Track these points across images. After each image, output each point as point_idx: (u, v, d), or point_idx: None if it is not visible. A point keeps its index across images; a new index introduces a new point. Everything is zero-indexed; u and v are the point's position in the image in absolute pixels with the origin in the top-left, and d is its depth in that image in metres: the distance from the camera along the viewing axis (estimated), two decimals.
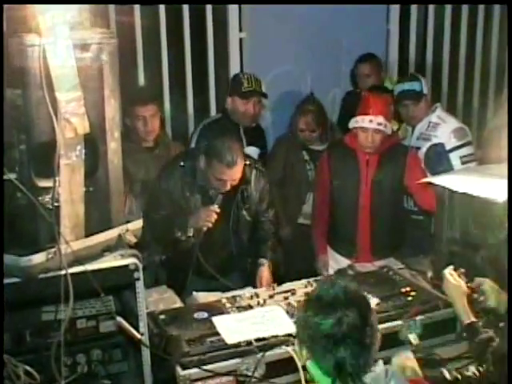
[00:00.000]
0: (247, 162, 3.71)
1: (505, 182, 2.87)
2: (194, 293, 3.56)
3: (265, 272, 3.79)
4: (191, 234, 3.67)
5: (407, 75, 5.04)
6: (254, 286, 3.65)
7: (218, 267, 3.75)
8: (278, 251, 4.06)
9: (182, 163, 3.72)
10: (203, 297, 3.52)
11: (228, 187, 3.60)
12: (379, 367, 2.01)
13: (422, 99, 4.48)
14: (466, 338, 2.74)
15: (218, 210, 3.60)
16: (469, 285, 2.82)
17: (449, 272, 2.87)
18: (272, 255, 3.93)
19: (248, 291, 3.40)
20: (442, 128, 4.44)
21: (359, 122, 3.98)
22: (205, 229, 3.63)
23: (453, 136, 4.40)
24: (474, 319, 2.68)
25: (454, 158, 4.34)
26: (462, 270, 2.85)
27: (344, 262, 4.02)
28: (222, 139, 3.59)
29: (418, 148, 4.44)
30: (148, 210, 3.74)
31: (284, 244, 4.54)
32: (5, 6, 2.22)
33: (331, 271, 3.98)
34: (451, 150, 4.36)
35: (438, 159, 4.35)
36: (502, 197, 2.89)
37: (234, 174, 3.57)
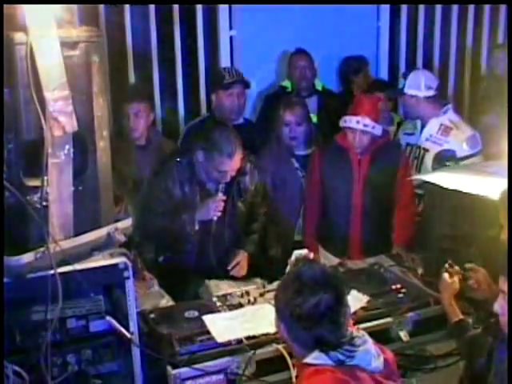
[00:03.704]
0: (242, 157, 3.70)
1: (495, 180, 2.88)
2: (206, 281, 3.62)
3: (241, 259, 3.81)
4: (197, 228, 3.67)
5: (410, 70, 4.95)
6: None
7: (217, 262, 3.78)
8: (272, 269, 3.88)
9: (178, 159, 3.72)
10: (215, 285, 3.57)
11: (228, 178, 3.63)
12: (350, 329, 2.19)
13: None
14: (455, 335, 2.75)
15: (225, 198, 3.62)
16: (462, 272, 2.82)
17: (446, 269, 2.87)
18: (253, 249, 3.93)
19: (255, 283, 3.50)
20: (455, 134, 4.36)
21: (347, 121, 4.00)
22: (215, 218, 3.65)
23: (465, 144, 4.33)
24: (462, 317, 2.69)
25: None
26: (457, 268, 2.86)
27: (335, 260, 4.02)
28: (219, 131, 3.60)
29: (426, 150, 4.42)
30: (146, 209, 3.74)
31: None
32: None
33: None
34: (463, 159, 4.29)
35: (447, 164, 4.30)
36: (492, 193, 2.90)
37: (235, 164, 3.60)
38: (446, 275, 2.86)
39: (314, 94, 5.14)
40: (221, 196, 3.63)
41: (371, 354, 2.15)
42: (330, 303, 2.09)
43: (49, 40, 2.20)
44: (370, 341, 2.19)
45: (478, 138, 4.40)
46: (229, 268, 3.75)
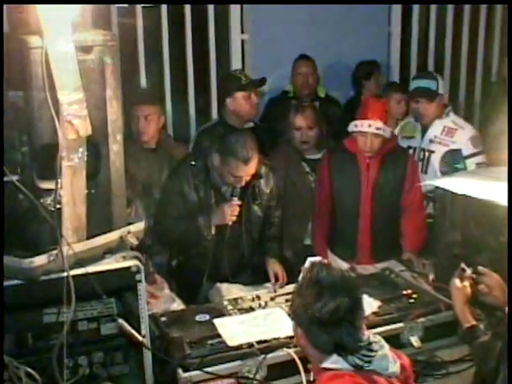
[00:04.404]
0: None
1: (507, 185, 2.87)
2: (218, 284, 3.61)
3: (277, 267, 3.75)
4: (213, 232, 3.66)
5: (425, 71, 5.07)
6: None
7: (230, 268, 3.76)
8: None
9: (193, 162, 3.71)
10: (226, 288, 3.57)
11: (243, 183, 3.61)
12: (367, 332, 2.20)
13: (435, 99, 4.42)
14: (466, 341, 2.74)
15: (240, 203, 3.62)
16: (474, 276, 2.80)
17: (458, 274, 2.82)
18: (278, 255, 3.91)
19: (266, 288, 3.50)
20: (460, 134, 4.40)
21: (358, 126, 3.97)
22: (230, 223, 3.63)
23: (470, 143, 4.38)
24: (474, 322, 2.68)
25: (470, 165, 4.32)
26: (469, 272, 2.80)
27: (344, 265, 4.01)
28: (236, 136, 3.59)
29: (432, 151, 4.43)
30: (161, 213, 3.74)
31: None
32: (7, 7, 2.22)
33: None
34: (468, 157, 4.35)
35: (456, 165, 4.34)
36: (504, 199, 2.89)
37: (250, 170, 3.57)
38: (456, 280, 2.83)
39: (315, 100, 5.13)
40: (236, 201, 3.61)
41: (388, 360, 2.16)
42: (349, 307, 2.10)
43: (64, 44, 2.21)
44: (386, 346, 2.20)
45: (480, 138, 4.49)
46: (272, 283, 3.64)
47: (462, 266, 2.81)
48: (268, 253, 3.86)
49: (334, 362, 2.11)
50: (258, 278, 3.77)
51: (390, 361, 2.16)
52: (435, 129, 4.45)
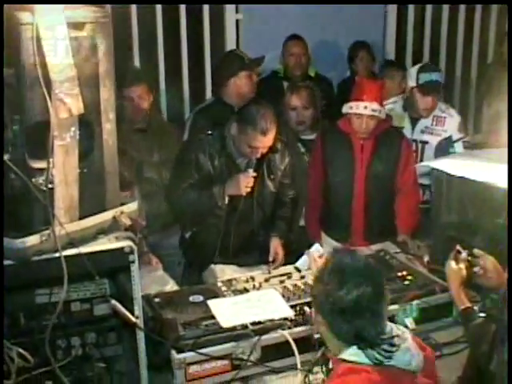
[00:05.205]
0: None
1: (503, 167, 2.85)
2: (212, 265, 3.63)
3: (279, 248, 3.76)
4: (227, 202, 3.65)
5: (427, 64, 4.90)
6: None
7: (239, 245, 3.77)
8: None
9: (209, 132, 3.69)
10: (220, 269, 3.58)
11: (259, 155, 3.59)
12: (390, 324, 2.14)
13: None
14: (462, 322, 2.73)
15: (255, 174, 3.60)
16: (469, 258, 2.78)
17: (453, 256, 2.79)
18: (286, 233, 3.90)
19: (262, 269, 3.49)
20: (449, 122, 4.46)
21: (353, 108, 3.94)
22: (244, 194, 3.62)
23: (457, 128, 4.47)
24: (469, 305, 2.66)
25: (459, 146, 4.43)
26: (464, 254, 2.77)
27: (337, 247, 4.00)
28: (256, 106, 3.57)
29: (425, 142, 4.43)
30: (175, 183, 3.73)
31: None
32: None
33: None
34: (457, 141, 4.45)
35: (450, 150, 4.41)
36: (500, 181, 2.87)
37: (268, 142, 3.55)
38: (452, 262, 2.82)
39: (306, 79, 5.10)
40: (251, 171, 3.59)
41: (411, 353, 2.09)
42: (373, 296, 2.04)
43: (55, 20, 2.17)
44: (409, 339, 2.12)
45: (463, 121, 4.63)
46: (270, 259, 3.66)
47: (457, 247, 2.79)
48: (275, 231, 3.85)
49: (352, 354, 2.05)
50: (266, 259, 3.74)
51: (413, 354, 2.09)
52: (425, 119, 4.46)
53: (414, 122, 4.49)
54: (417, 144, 4.45)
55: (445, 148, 4.40)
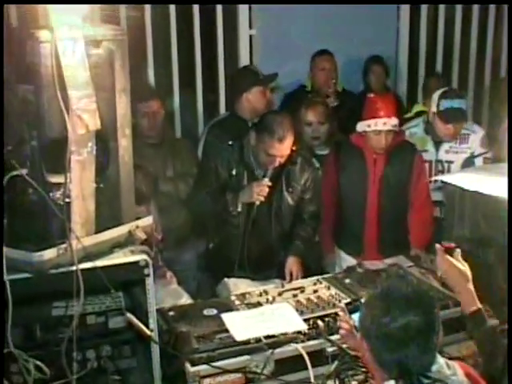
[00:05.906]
0: (293, 148, 3.70)
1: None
2: (226, 279, 3.65)
3: (296, 268, 3.74)
4: (240, 210, 3.69)
5: (451, 89, 4.73)
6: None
7: (257, 259, 3.80)
8: None
9: (230, 142, 3.75)
10: (233, 283, 3.60)
11: (277, 164, 3.63)
12: (440, 360, 2.03)
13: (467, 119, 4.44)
14: (471, 329, 2.55)
15: (270, 184, 3.63)
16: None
17: (455, 255, 2.57)
18: (304, 251, 3.89)
19: (275, 283, 3.49)
20: (472, 138, 4.44)
21: (372, 125, 3.93)
22: (258, 202, 3.65)
23: (480, 144, 4.46)
24: (479, 305, 2.46)
25: (479, 162, 4.42)
26: (458, 251, 2.57)
27: (350, 260, 4.01)
28: (273, 115, 3.64)
29: (451, 162, 4.42)
30: (194, 191, 3.83)
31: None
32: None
33: (338, 270, 3.96)
34: (478, 155, 4.44)
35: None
36: None
37: (284, 150, 3.59)
38: (449, 259, 2.55)
39: (335, 95, 5.10)
40: (266, 181, 3.62)
41: None
42: (421, 326, 1.94)
43: (73, 38, 2.22)
44: (460, 374, 2.02)
45: (486, 135, 4.55)
46: (286, 279, 3.64)
47: (444, 244, 2.59)
48: (292, 251, 3.83)
49: None
50: (282, 275, 3.73)
51: None
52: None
53: (437, 144, 4.45)
54: (442, 164, 4.44)
55: (470, 165, 4.37)
